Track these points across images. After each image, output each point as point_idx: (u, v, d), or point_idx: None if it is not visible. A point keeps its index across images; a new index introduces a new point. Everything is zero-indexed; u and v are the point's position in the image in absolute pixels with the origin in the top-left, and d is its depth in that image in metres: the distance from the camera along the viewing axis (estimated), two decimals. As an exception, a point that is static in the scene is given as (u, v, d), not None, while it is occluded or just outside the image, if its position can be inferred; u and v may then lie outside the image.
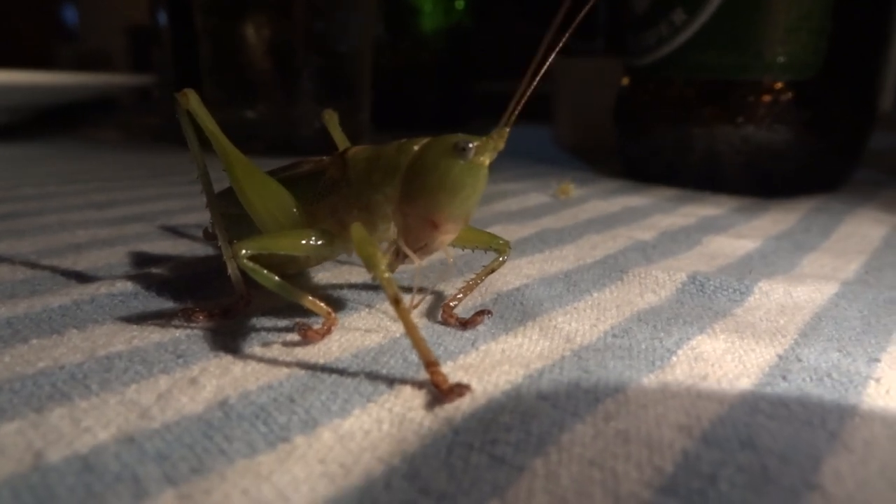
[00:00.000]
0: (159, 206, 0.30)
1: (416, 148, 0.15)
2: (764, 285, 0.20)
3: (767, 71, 0.37)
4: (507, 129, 0.14)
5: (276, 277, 0.15)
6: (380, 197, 0.15)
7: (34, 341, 0.14)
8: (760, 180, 0.38)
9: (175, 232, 0.25)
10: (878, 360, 0.15)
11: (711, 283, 0.20)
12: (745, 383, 0.14)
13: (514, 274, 0.21)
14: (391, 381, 0.13)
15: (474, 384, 0.13)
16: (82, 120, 0.69)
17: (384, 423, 0.12)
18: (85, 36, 0.99)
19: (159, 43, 0.69)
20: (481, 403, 0.12)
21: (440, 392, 0.12)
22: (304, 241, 0.15)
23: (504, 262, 0.18)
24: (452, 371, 0.14)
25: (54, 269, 0.20)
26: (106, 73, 0.66)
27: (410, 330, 0.13)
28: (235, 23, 0.49)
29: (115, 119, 0.73)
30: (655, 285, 0.20)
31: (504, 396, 0.13)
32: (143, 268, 0.20)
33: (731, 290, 0.19)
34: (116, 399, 0.12)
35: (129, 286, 0.18)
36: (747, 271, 0.22)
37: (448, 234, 0.15)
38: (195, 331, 0.15)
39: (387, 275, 0.13)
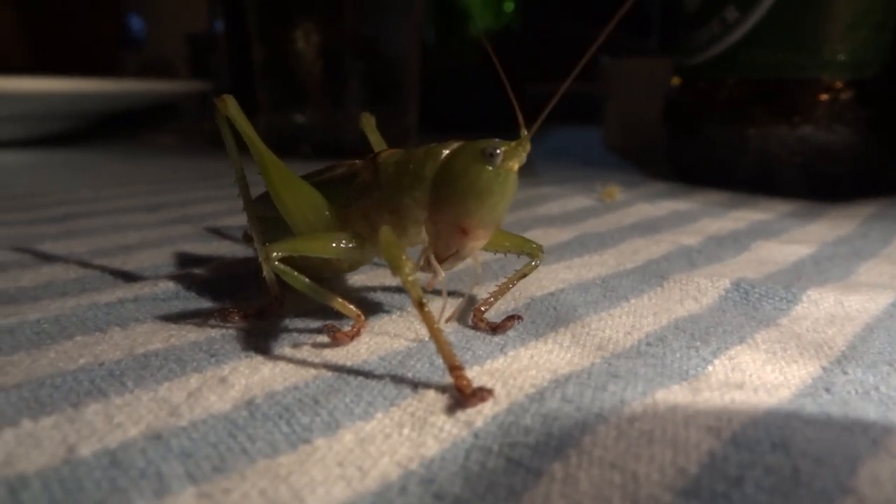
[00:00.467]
0: (207, 209, 0.31)
1: (444, 152, 0.15)
2: (813, 293, 0.19)
3: (826, 69, 0.35)
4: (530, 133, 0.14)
5: (307, 279, 0.15)
6: (409, 201, 0.15)
7: (78, 338, 0.15)
8: (817, 184, 0.36)
9: (219, 234, 0.26)
10: (932, 376, 0.14)
11: (756, 290, 0.19)
12: (784, 393, 0.13)
13: (550, 278, 0.20)
14: (416, 385, 0.13)
15: (498, 388, 0.13)
16: (143, 125, 0.72)
17: (405, 426, 0.12)
18: (150, 44, 1.03)
19: (215, 49, 0.71)
20: (504, 407, 0.12)
21: (462, 396, 0.12)
22: (334, 244, 0.15)
23: (537, 266, 0.17)
24: (478, 376, 0.14)
25: (104, 269, 0.21)
26: (164, 80, 0.68)
27: (434, 334, 0.13)
28: (286, 28, 0.50)
29: (174, 124, 0.76)
30: (697, 292, 0.19)
31: (527, 400, 0.12)
32: (186, 268, 0.20)
33: (777, 299, 0.19)
34: (149, 396, 0.12)
35: (170, 286, 0.18)
36: (796, 278, 0.21)
37: (478, 241, 0.14)
38: (230, 331, 0.16)
39: (411, 278, 0.13)
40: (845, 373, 0.14)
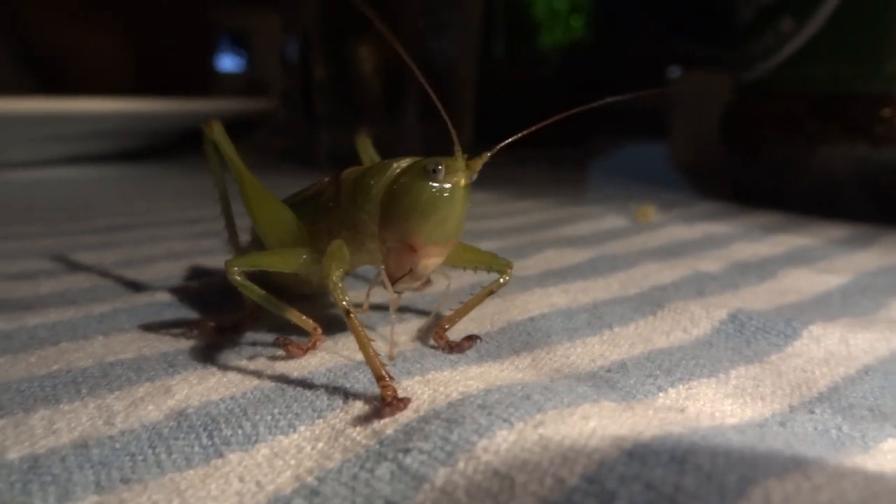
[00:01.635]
0: (242, 223, 0.32)
1: (395, 168, 0.15)
2: (817, 329, 0.17)
3: (891, 82, 0.32)
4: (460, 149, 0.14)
5: (263, 292, 0.15)
6: (364, 216, 0.15)
7: (63, 344, 0.16)
8: (881, 205, 0.34)
9: (240, 247, 0.27)
10: (912, 427, 0.13)
11: (754, 322, 0.18)
12: (729, 421, 0.12)
13: (539, 302, 0.20)
14: (350, 396, 0.13)
15: (426, 396, 0.13)
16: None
17: (321, 440, 0.12)
18: (253, 64, 1.08)
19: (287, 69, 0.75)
20: (420, 414, 0.12)
21: (381, 406, 0.12)
22: (293, 259, 0.16)
23: (504, 283, 0.17)
24: (415, 385, 0.14)
25: (119, 280, 0.22)
26: (231, 99, 0.72)
27: (361, 343, 0.13)
28: (344, 47, 0.52)
29: (253, 140, 0.80)
30: (689, 322, 0.18)
31: (447, 407, 0.12)
32: (190, 280, 0.22)
33: (773, 333, 0.17)
34: (96, 404, 0.13)
35: (166, 297, 0.19)
36: (810, 311, 0.19)
37: (431, 259, 0.14)
38: (201, 343, 0.16)
39: (340, 285, 0.13)
40: (811, 412, 0.13)
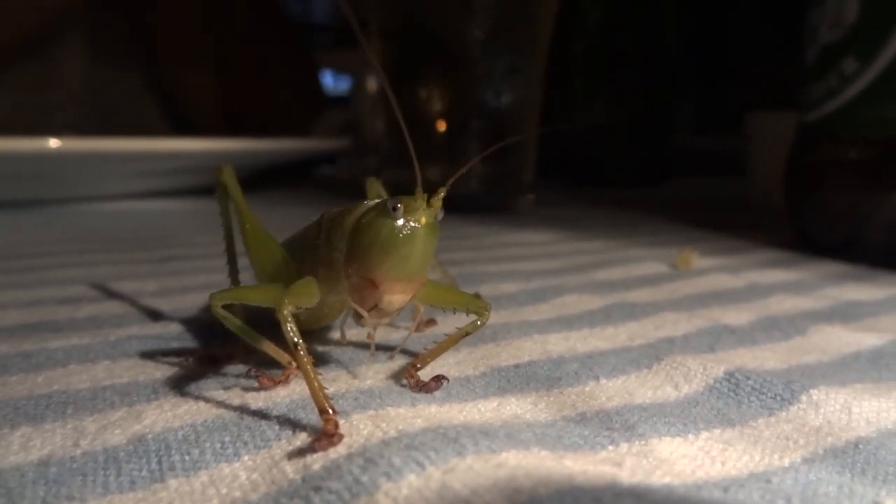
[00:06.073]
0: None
1: (365, 205, 0.15)
2: (819, 393, 0.16)
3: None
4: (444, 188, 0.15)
5: (240, 323, 0.16)
6: (337, 254, 0.16)
7: (72, 367, 0.18)
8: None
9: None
10: (880, 506, 0.12)
11: (750, 382, 0.17)
12: (664, 481, 0.12)
13: (533, 349, 0.20)
14: (298, 428, 0.14)
15: (366, 432, 0.13)
16: (308, 175, 0.80)
17: (258, 470, 0.12)
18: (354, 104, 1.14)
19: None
20: (350, 451, 0.12)
21: (317, 439, 0.13)
22: (271, 294, 0.16)
23: (482, 325, 0.17)
24: (363, 420, 0.14)
25: (148, 309, 0.24)
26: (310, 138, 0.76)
27: (305, 375, 0.14)
28: (409, 90, 0.54)
29: (328, 174, 0.84)
30: (682, 378, 0.18)
31: (377, 445, 0.12)
32: (205, 312, 0.23)
33: (769, 396, 0.16)
34: (73, 425, 0.14)
35: (178, 328, 0.21)
36: (812, 373, 0.18)
37: (395, 295, 0.15)
38: (192, 372, 0.17)
39: (290, 318, 0.14)
40: (768, 482, 0.12)
